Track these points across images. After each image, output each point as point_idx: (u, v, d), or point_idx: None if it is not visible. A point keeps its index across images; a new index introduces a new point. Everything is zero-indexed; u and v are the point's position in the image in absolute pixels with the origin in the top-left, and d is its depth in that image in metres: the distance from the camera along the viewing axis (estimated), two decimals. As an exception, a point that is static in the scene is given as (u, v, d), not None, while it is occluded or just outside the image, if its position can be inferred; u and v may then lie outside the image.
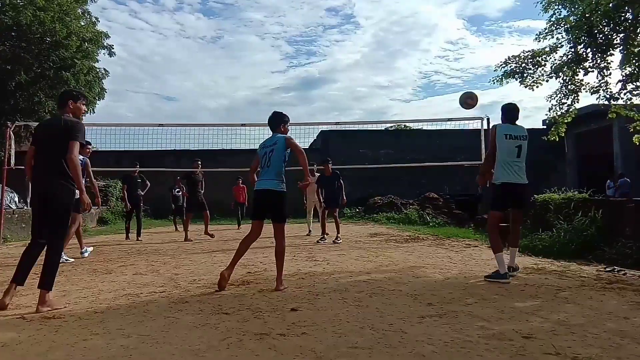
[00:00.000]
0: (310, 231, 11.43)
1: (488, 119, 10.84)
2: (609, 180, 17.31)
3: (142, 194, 11.10)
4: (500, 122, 5.44)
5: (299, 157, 4.75)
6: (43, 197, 3.96)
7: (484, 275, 5.19)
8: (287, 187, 4.85)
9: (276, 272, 4.74)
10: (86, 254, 7.50)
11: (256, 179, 4.98)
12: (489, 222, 5.61)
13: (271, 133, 5.07)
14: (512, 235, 5.60)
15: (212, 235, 10.62)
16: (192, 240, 10.19)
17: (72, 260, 6.90)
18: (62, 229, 4.09)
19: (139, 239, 10.58)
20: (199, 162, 11.16)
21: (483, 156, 10.80)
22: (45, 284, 3.88)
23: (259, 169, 4.98)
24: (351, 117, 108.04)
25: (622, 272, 5.47)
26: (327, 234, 9.80)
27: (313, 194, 11.03)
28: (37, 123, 4.31)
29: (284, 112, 5.17)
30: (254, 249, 8.23)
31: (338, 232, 9.68)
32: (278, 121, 5.07)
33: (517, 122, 5.44)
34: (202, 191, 11.04)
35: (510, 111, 5.42)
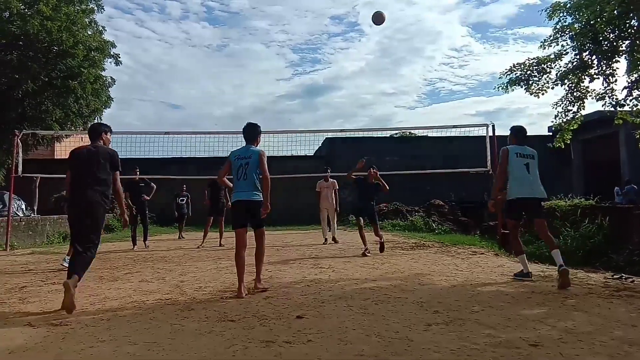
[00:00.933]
0: (325, 239, 11.02)
1: (493, 126, 10.82)
2: (617, 187, 17.21)
3: (149, 198, 10.70)
4: (510, 144, 5.82)
5: (263, 182, 5.06)
6: (84, 212, 4.50)
7: (513, 274, 5.67)
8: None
9: (255, 272, 5.14)
10: None
11: (231, 185, 5.31)
12: (508, 229, 6.20)
13: (244, 142, 5.31)
14: (546, 242, 5.78)
15: (221, 245, 10.55)
16: (203, 247, 10.22)
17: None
18: (98, 239, 4.62)
19: (146, 244, 10.52)
20: None
21: (489, 163, 10.80)
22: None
23: (232, 178, 5.20)
24: (356, 124, 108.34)
25: (630, 279, 5.43)
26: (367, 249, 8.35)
27: (325, 199, 11.02)
28: (73, 150, 4.90)
29: (257, 124, 5.41)
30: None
31: (380, 239, 8.56)
32: (254, 133, 5.33)
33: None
34: (225, 201, 11.07)
35: (519, 132, 5.90)
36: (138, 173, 10.77)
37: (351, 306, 4.14)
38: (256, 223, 5.16)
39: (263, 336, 3.23)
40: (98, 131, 5.00)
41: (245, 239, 5.09)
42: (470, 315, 3.75)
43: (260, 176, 5.06)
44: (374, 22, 9.03)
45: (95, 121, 18.74)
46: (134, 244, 10.48)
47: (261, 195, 5.07)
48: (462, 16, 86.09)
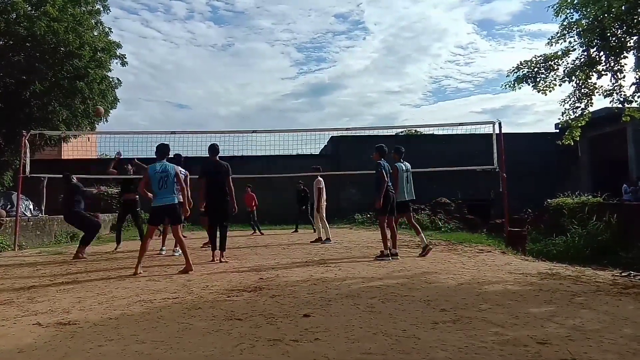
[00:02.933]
0: (320, 238, 10.98)
1: (500, 123, 10.77)
2: (625, 185, 17.07)
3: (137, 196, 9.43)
4: (394, 161, 7.81)
5: (182, 192, 6.89)
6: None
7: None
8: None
9: (184, 259, 6.49)
10: (177, 254, 8.34)
11: (150, 196, 6.73)
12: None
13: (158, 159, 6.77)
14: (414, 229, 8.11)
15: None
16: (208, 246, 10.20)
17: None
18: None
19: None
20: None
21: (495, 160, 10.75)
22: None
23: (152, 188, 6.60)
24: (361, 123, 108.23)
25: (638, 277, 5.39)
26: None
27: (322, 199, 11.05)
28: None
29: (167, 144, 7.06)
30: (265, 255, 8.26)
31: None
32: (165, 152, 6.87)
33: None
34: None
35: (400, 150, 7.99)
36: (130, 167, 9.96)
37: (358, 304, 4.14)
38: (174, 220, 6.76)
39: (270, 335, 3.23)
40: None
41: (154, 233, 6.90)
42: (478, 314, 3.74)
43: (178, 186, 6.70)
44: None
45: (102, 122, 18.89)
46: (117, 243, 9.83)
47: (178, 199, 6.70)
48: (467, 13, 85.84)
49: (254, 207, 14.76)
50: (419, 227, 8.10)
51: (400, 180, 7.79)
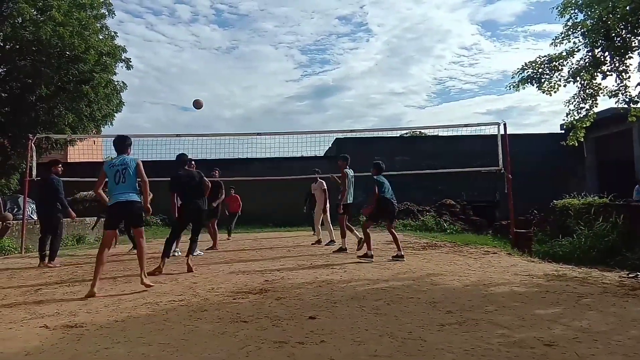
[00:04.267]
0: (320, 240, 11.04)
1: (505, 124, 10.75)
2: (637, 185, 16.87)
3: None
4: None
5: (143, 186, 5.56)
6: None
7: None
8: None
9: (139, 270, 5.37)
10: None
11: (107, 199, 5.71)
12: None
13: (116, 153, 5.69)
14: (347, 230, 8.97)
15: (216, 248, 10.37)
16: (217, 249, 10.21)
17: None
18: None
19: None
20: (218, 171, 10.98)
21: (500, 162, 10.73)
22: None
23: (107, 184, 5.61)
24: (366, 124, 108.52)
25: (646, 278, 5.36)
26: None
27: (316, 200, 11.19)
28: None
29: (127, 135, 5.91)
30: (270, 259, 8.27)
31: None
32: (124, 144, 5.71)
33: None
34: (219, 199, 10.66)
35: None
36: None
37: (364, 307, 4.13)
38: (135, 222, 5.63)
39: (276, 337, 3.24)
40: (184, 159, 6.99)
41: (111, 240, 5.71)
42: (484, 315, 3.73)
43: (139, 179, 5.53)
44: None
45: (107, 125, 18.96)
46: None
47: (139, 197, 5.51)
48: (470, 14, 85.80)
49: (238, 210, 13.75)
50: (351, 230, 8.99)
51: (350, 184, 8.93)
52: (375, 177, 8.08)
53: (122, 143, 5.68)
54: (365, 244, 7.87)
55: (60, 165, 8.35)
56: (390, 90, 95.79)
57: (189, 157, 7.73)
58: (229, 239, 13.05)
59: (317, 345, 3.03)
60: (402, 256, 7.55)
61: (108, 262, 7.76)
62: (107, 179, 5.57)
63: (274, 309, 4.12)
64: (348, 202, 8.97)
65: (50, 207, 8.02)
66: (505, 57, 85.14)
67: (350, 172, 9.09)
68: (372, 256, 7.59)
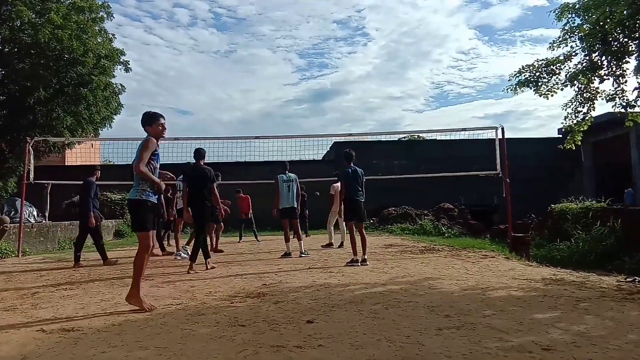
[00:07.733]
0: (332, 243, 11.15)
1: (502, 129, 10.76)
2: (627, 189, 16.98)
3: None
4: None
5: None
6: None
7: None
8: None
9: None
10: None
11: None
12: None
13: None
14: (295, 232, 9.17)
15: (218, 250, 10.42)
16: (222, 251, 10.22)
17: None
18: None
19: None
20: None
21: (498, 165, 10.74)
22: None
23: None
24: (364, 128, 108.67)
25: (644, 282, 5.36)
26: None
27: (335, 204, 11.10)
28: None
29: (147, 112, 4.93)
30: (268, 261, 8.25)
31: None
32: (142, 120, 4.87)
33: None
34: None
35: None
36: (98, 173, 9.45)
37: (361, 311, 4.13)
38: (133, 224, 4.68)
39: (274, 341, 3.23)
40: (202, 154, 7.40)
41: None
42: (482, 319, 3.72)
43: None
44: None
45: (106, 128, 18.94)
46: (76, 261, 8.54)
47: (136, 194, 4.45)
48: (467, 19, 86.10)
49: (248, 211, 14.01)
50: (298, 235, 9.15)
51: (281, 188, 9.02)
52: (344, 170, 7.86)
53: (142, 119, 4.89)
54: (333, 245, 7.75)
55: (98, 170, 8.84)
56: (388, 95, 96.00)
57: (191, 159, 7.99)
58: (258, 241, 13.34)
59: (315, 350, 3.02)
60: (356, 261, 7.41)
61: (110, 266, 7.75)
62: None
63: (272, 313, 4.11)
64: (285, 205, 9.06)
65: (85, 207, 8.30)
66: (503, 62, 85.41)
67: (284, 176, 9.19)
68: (357, 261, 7.42)
